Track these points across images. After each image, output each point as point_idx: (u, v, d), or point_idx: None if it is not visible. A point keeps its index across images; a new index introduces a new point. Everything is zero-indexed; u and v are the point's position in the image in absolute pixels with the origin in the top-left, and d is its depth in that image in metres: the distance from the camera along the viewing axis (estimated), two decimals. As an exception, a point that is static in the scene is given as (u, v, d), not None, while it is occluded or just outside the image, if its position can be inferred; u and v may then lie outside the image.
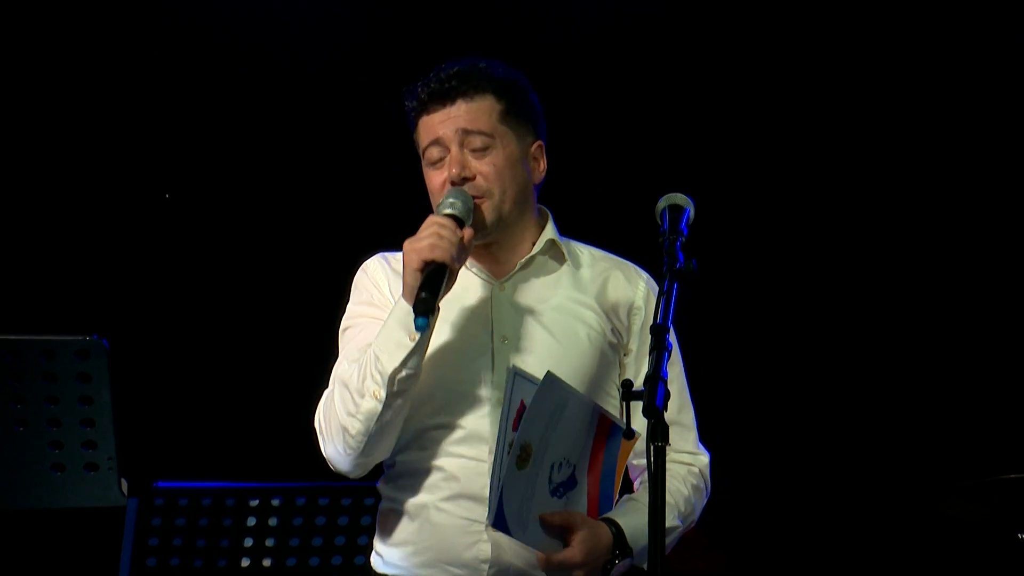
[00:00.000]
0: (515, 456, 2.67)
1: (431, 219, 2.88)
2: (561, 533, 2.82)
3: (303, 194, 5.12)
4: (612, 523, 2.88)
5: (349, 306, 3.08)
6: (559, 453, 2.77)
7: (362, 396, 2.87)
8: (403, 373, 2.85)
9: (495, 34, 4.99)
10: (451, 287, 2.88)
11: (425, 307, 2.78)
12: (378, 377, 2.85)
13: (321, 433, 2.95)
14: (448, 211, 2.90)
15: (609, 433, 2.85)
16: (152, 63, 5.01)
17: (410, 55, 3.89)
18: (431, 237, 2.83)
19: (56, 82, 4.95)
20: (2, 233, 4.90)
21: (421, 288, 2.79)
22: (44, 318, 4.66)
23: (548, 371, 2.75)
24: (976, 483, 4.13)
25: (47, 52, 4.95)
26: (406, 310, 2.83)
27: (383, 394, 2.85)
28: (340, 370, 2.95)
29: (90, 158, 5.02)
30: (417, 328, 2.79)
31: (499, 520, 2.70)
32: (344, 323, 3.06)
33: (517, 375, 2.76)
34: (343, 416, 2.89)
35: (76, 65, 4.97)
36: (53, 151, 4.98)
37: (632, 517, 2.90)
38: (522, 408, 2.73)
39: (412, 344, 2.84)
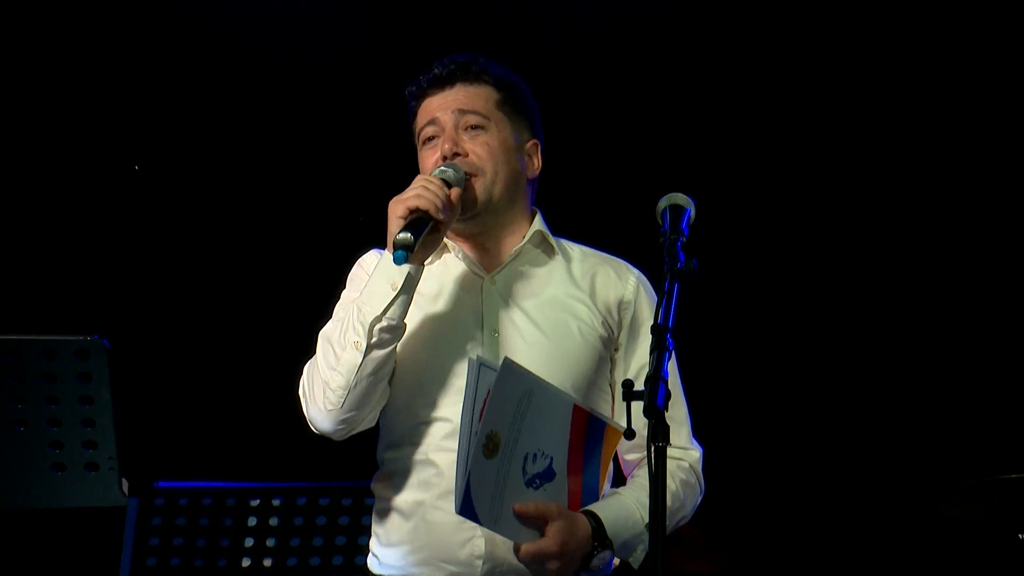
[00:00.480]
0: (480, 444, 2.67)
1: (419, 177, 2.92)
2: (538, 524, 2.81)
3: (303, 194, 5.13)
4: (592, 515, 2.88)
5: (343, 294, 3.10)
6: (532, 444, 2.77)
7: (343, 348, 2.89)
8: (383, 322, 2.86)
9: (495, 34, 4.99)
10: (436, 245, 2.91)
11: (403, 243, 2.80)
12: (359, 328, 2.87)
13: (304, 395, 2.96)
14: (439, 176, 2.93)
15: (588, 425, 2.85)
16: (152, 63, 5.02)
17: (410, 56, 3.88)
18: (416, 189, 2.87)
19: (56, 81, 4.95)
20: (2, 233, 4.90)
21: (404, 228, 2.82)
22: (44, 318, 4.66)
23: (505, 357, 2.75)
24: (976, 483, 4.13)
25: (47, 51, 4.95)
26: (389, 261, 2.85)
27: (364, 344, 2.86)
28: (325, 328, 2.97)
29: (90, 158, 5.02)
30: (395, 261, 2.81)
31: (466, 507, 2.70)
32: (336, 310, 3.07)
33: (482, 365, 2.76)
34: (324, 370, 2.90)
35: (76, 64, 4.97)
36: (53, 151, 4.98)
37: (613, 510, 2.90)
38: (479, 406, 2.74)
39: (393, 293, 2.86)
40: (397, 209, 2.86)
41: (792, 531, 5.21)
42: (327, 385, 2.89)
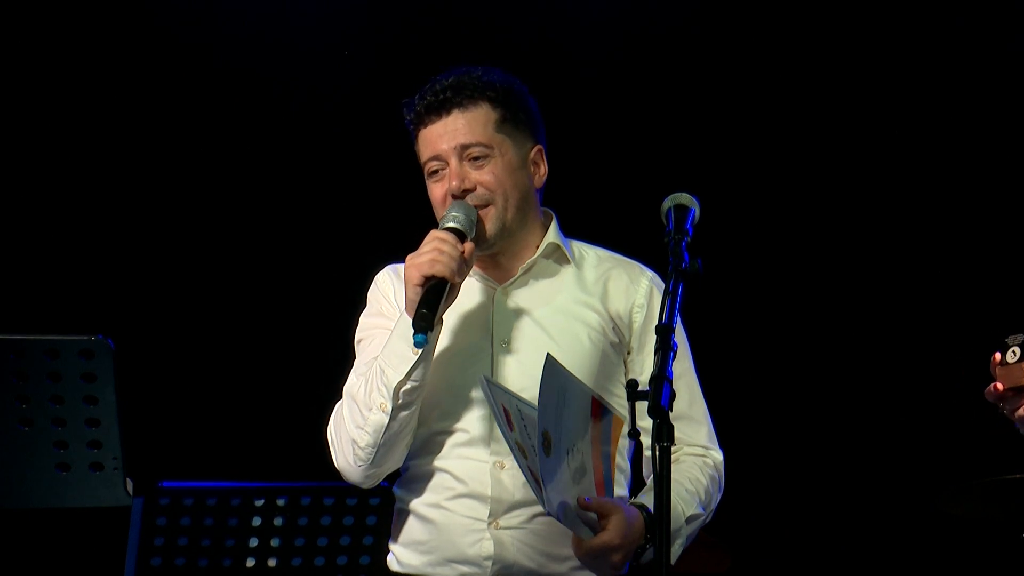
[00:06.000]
0: (541, 444, 2.69)
1: (432, 234, 2.92)
2: (591, 519, 2.83)
3: (309, 197, 5.14)
4: (642, 507, 2.89)
5: (362, 318, 3.14)
6: (570, 440, 2.79)
7: (369, 409, 2.91)
8: (408, 385, 2.90)
9: (501, 35, 4.99)
10: (453, 300, 2.92)
11: (424, 323, 2.82)
12: (384, 390, 2.90)
13: (332, 446, 2.99)
14: (451, 225, 2.94)
15: (602, 416, 2.87)
16: (160, 67, 5.03)
17: (421, 58, 3.88)
18: (432, 252, 2.87)
19: (76, 90, 4.97)
20: (7, 233, 4.90)
21: (420, 304, 2.83)
22: (49, 318, 4.66)
23: (548, 354, 2.76)
24: (980, 483, 4.13)
25: (58, 57, 4.96)
26: (408, 324, 2.86)
27: (389, 407, 2.90)
28: (349, 384, 3.00)
29: (101, 161, 5.03)
30: (416, 344, 2.84)
31: (550, 507, 2.72)
32: (358, 335, 3.12)
33: (487, 383, 2.80)
34: (352, 429, 2.93)
35: (85, 71, 4.99)
36: (70, 154, 4.99)
37: None
38: (506, 412, 2.76)
39: (415, 357, 2.88)
40: (413, 275, 2.87)
41: (797, 531, 5.21)
42: (355, 443, 2.93)
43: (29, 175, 4.97)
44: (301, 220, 5.12)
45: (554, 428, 2.74)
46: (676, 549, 2.93)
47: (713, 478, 3.06)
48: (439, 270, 2.87)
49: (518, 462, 2.78)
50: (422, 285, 2.87)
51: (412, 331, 2.83)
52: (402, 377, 2.90)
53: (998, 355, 2.81)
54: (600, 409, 2.86)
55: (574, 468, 2.80)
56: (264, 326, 5.06)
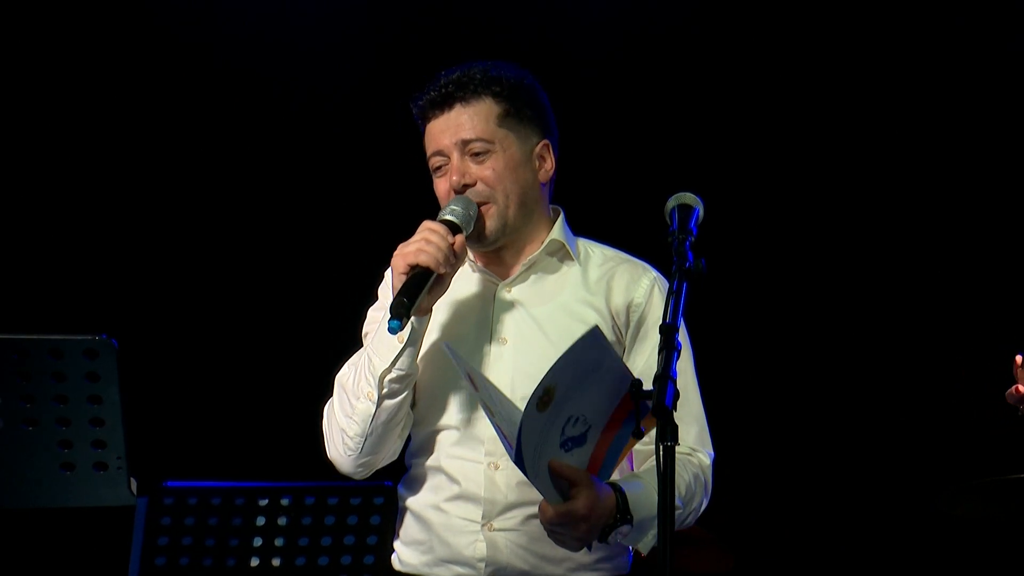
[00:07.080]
0: (537, 397, 2.68)
1: (424, 224, 2.94)
2: (563, 487, 2.82)
3: (310, 198, 5.14)
4: (616, 487, 2.89)
5: (369, 311, 3.16)
6: (579, 408, 2.77)
7: (357, 398, 2.93)
8: (393, 374, 2.91)
9: (501, 35, 5.00)
10: (442, 292, 2.93)
11: (400, 310, 2.83)
12: (371, 379, 2.91)
13: (325, 436, 3.01)
14: (447, 217, 2.96)
15: (632, 409, 2.85)
16: (161, 67, 5.03)
17: (421, 58, 3.87)
18: (419, 242, 2.89)
19: (77, 90, 4.98)
20: (11, 233, 4.90)
21: (400, 292, 2.84)
22: (52, 317, 4.67)
23: (595, 326, 2.74)
24: (979, 483, 4.13)
25: (59, 57, 4.97)
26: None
27: (376, 395, 2.90)
28: (340, 373, 3.02)
29: (103, 161, 5.04)
30: (390, 330, 2.86)
31: (519, 458, 2.72)
32: (364, 328, 3.16)
33: (450, 350, 2.83)
34: (341, 418, 2.95)
35: (86, 71, 5.00)
36: (72, 154, 5.00)
37: (635, 487, 2.92)
38: (470, 376, 2.77)
39: (400, 346, 2.88)
40: (398, 264, 2.89)
41: (799, 530, 5.21)
42: (344, 432, 2.95)
43: (31, 175, 4.97)
44: (302, 220, 5.12)
45: (564, 388, 2.71)
46: (649, 540, 2.92)
47: (697, 476, 3.04)
48: (424, 259, 2.89)
49: (488, 418, 2.79)
50: (406, 274, 2.89)
51: (388, 323, 2.85)
52: (387, 365, 2.92)
53: (1020, 358, 2.85)
54: (631, 404, 2.84)
55: (569, 435, 2.79)
56: (267, 325, 5.07)
